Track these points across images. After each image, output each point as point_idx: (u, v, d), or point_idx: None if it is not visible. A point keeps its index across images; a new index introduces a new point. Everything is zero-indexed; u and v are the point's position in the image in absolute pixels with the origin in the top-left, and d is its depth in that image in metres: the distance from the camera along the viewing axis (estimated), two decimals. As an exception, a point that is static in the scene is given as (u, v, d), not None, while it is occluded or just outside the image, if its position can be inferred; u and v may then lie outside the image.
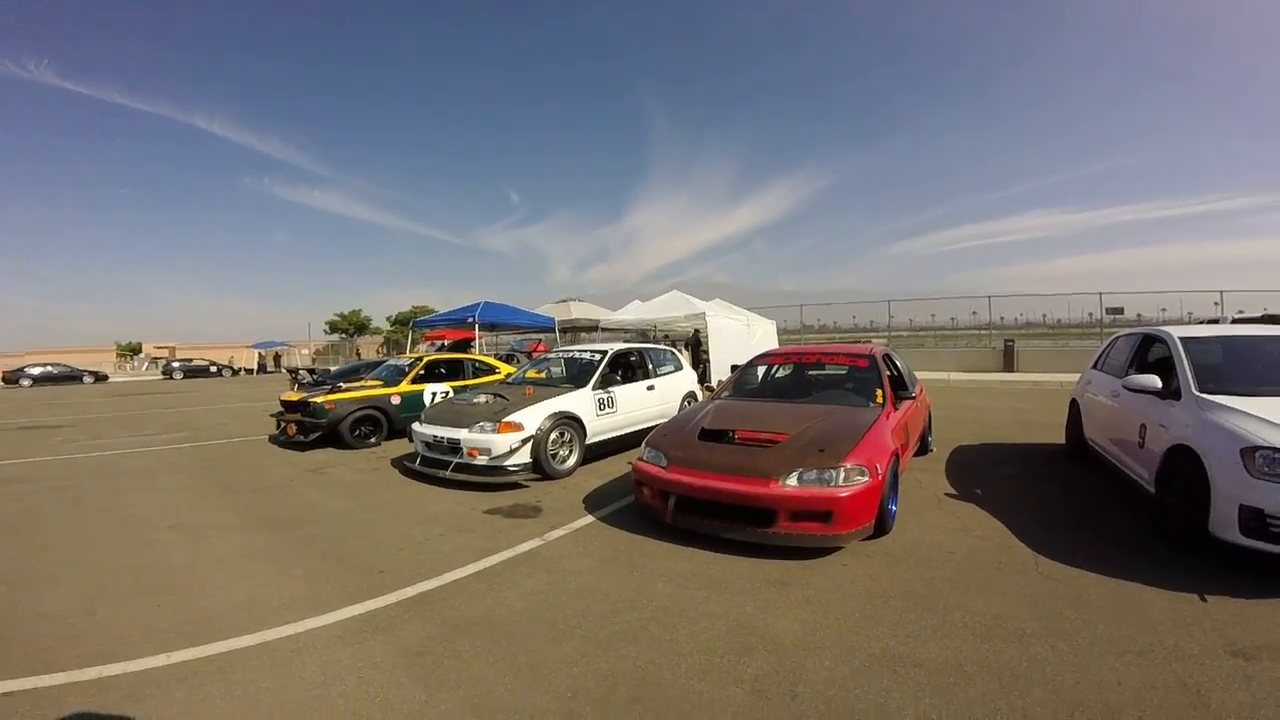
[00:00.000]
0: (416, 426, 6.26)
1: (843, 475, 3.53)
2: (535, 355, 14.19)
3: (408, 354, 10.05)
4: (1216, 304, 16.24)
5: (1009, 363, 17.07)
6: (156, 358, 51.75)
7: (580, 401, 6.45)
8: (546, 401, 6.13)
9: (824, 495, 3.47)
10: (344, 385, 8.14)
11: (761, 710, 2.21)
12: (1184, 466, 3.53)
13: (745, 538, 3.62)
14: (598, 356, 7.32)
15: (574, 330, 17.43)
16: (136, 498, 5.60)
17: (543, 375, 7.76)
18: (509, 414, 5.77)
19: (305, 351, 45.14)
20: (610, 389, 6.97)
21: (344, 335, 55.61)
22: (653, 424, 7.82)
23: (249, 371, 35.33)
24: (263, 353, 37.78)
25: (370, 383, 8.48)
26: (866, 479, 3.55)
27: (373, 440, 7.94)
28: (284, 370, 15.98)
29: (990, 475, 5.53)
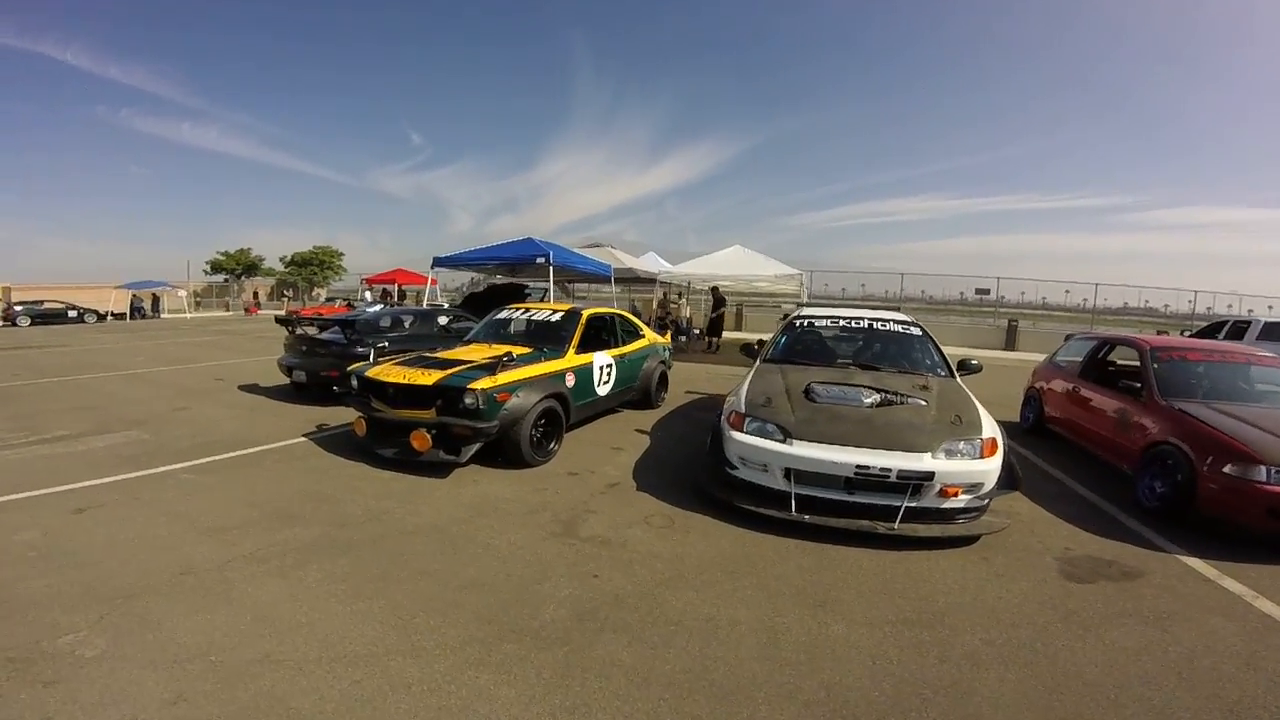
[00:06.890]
0: (774, 445, 3.61)
1: None
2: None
3: (534, 303, 6.96)
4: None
5: (1010, 342, 18.40)
6: (-33, 298, 39.93)
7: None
8: (975, 400, 3.86)
9: None
10: (512, 358, 5.07)
11: None
12: None
13: None
14: (916, 330, 5.14)
15: (630, 282, 14.55)
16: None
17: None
18: (981, 428, 3.44)
19: (182, 294, 37.21)
20: (957, 379, 4.83)
21: (230, 276, 46.74)
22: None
23: (118, 317, 27.78)
24: (138, 294, 29.92)
25: (516, 350, 5.47)
26: None
27: (553, 446, 5.14)
28: (274, 319, 11.74)
29: None
